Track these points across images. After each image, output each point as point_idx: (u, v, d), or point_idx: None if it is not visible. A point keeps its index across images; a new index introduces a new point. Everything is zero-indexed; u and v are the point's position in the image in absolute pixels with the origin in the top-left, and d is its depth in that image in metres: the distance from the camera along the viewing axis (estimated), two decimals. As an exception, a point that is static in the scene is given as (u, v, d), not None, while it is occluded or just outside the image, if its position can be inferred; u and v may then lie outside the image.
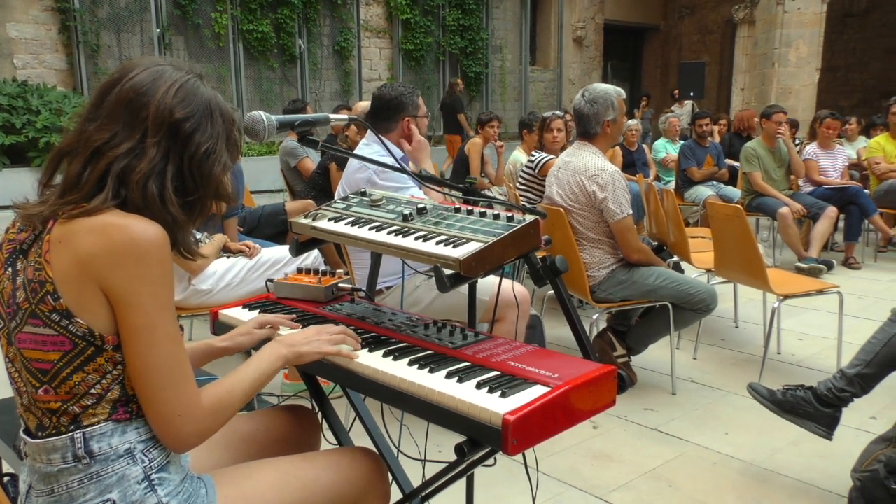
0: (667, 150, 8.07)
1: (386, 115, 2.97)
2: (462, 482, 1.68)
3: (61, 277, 1.17)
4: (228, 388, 1.31)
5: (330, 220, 1.78)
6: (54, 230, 1.19)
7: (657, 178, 7.78)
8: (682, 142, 7.88)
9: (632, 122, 7.80)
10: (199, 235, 3.31)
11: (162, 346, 1.19)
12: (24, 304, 1.20)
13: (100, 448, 1.22)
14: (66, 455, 1.22)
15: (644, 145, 8.15)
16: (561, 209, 3.41)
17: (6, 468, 2.01)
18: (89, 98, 1.30)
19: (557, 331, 4.29)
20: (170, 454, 1.30)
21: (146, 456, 1.26)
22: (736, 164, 7.08)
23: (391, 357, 1.47)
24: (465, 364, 1.43)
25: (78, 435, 1.22)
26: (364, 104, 5.02)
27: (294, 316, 1.69)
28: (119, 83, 1.24)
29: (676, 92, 13.37)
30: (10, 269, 1.25)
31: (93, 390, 1.22)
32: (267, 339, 1.58)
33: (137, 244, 1.16)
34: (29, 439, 1.26)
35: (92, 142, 1.22)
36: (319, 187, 5.08)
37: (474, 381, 1.33)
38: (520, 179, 5.22)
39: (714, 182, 7.11)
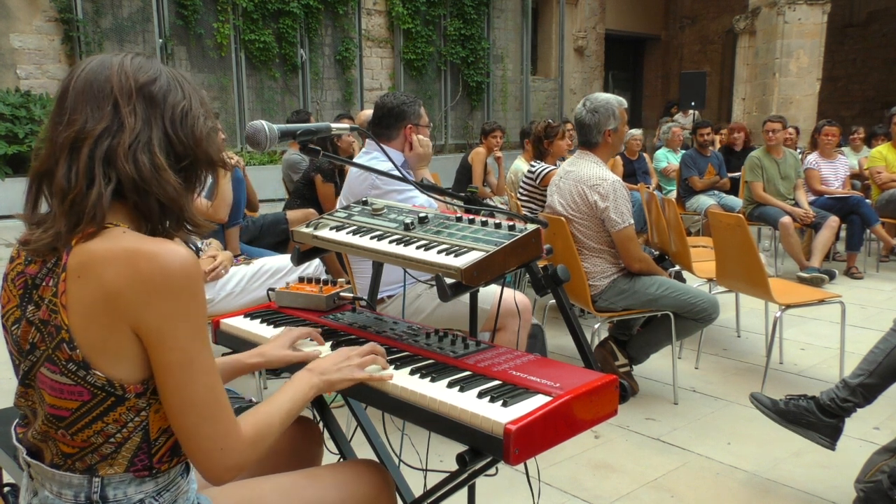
0: (668, 159, 8.07)
1: (388, 124, 2.98)
2: (463, 492, 1.67)
3: (79, 320, 1.10)
4: (266, 418, 1.27)
5: (331, 229, 1.78)
6: (70, 264, 1.11)
7: (658, 188, 7.78)
8: (683, 151, 7.89)
9: (634, 131, 7.80)
10: (199, 244, 3.31)
11: (199, 380, 1.14)
12: (40, 345, 1.14)
13: (115, 495, 1.19)
14: (79, 495, 1.18)
15: (645, 154, 8.15)
16: (562, 218, 3.41)
17: (6, 478, 2.00)
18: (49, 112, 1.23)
19: (559, 340, 4.29)
20: (178, 492, 1.27)
21: (157, 500, 1.22)
22: (736, 175, 7.09)
23: (393, 366, 1.47)
24: (467, 373, 1.43)
25: (96, 479, 1.18)
26: (367, 113, 5.04)
27: (320, 330, 1.67)
28: (72, 79, 1.19)
29: (674, 109, 13.41)
30: (25, 306, 1.19)
31: (112, 439, 1.17)
32: (296, 366, 1.53)
33: (170, 276, 1.09)
34: (41, 465, 1.21)
35: (66, 139, 1.14)
36: (304, 197, 5.10)
37: (476, 391, 1.33)
38: (521, 190, 5.22)
39: (715, 191, 7.12)
